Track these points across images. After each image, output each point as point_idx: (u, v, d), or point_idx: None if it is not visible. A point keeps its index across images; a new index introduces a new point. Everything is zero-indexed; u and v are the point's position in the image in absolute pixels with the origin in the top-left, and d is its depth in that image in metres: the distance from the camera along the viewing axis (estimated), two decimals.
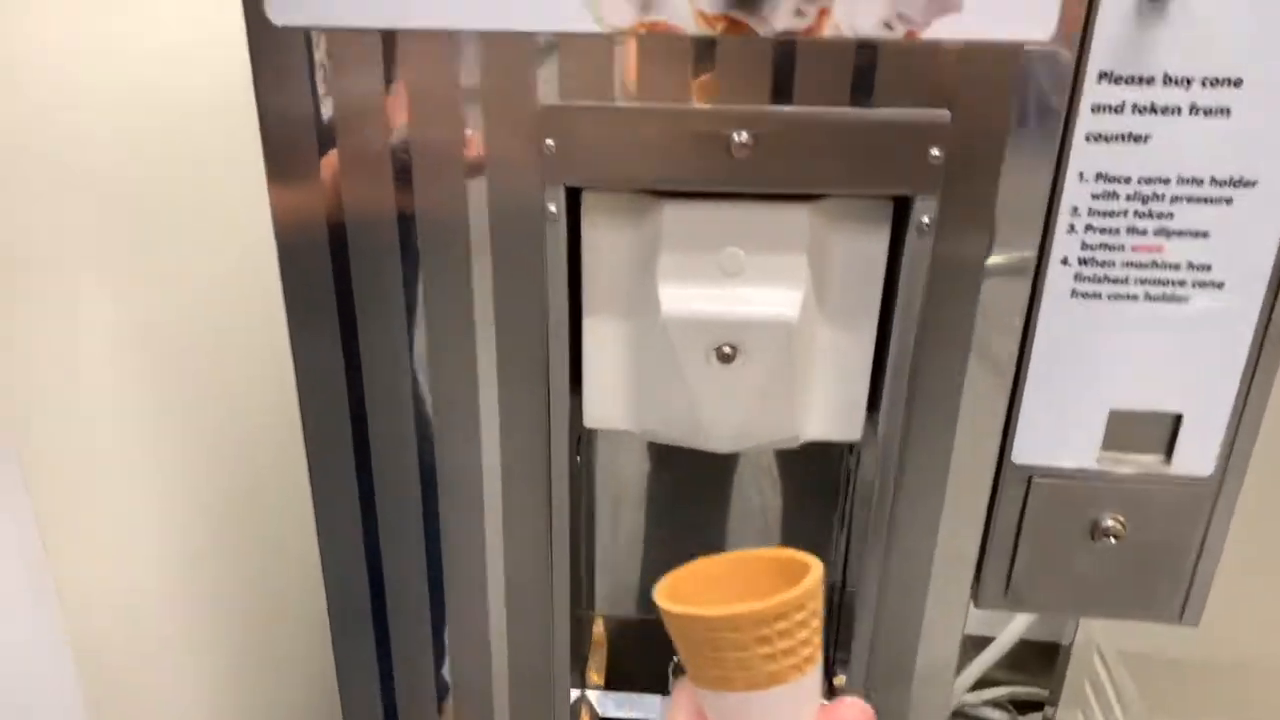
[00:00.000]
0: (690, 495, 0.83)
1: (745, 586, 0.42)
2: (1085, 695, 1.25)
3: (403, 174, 0.54)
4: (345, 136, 0.53)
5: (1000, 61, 0.49)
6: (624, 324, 0.59)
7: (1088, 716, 1.25)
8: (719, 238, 0.55)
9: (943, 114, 0.50)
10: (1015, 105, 0.50)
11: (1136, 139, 0.51)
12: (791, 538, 0.83)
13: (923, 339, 0.56)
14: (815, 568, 0.41)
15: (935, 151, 0.51)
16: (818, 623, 0.41)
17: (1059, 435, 0.57)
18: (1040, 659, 1.43)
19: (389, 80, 0.52)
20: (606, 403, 0.61)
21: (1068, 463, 0.58)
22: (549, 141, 0.52)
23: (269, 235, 0.56)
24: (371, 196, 0.54)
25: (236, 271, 0.90)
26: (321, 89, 0.52)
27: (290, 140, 0.54)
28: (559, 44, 0.50)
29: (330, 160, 0.54)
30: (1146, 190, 0.51)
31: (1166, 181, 0.51)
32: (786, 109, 0.51)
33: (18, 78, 0.68)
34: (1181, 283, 0.53)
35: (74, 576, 0.74)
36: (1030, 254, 0.53)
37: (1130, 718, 1.13)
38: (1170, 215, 0.52)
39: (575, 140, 0.52)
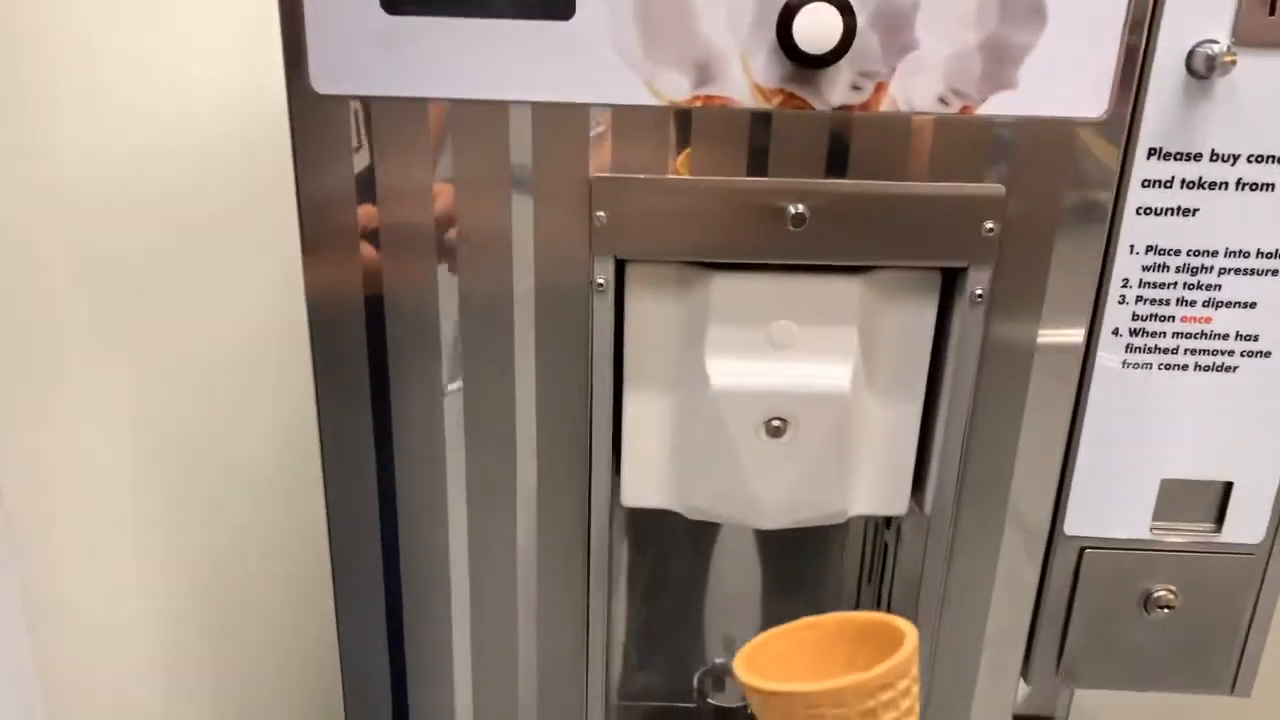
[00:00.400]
0: (683, 579, 0.81)
1: (820, 658, 0.40)
2: None
3: (445, 249, 0.53)
4: (387, 209, 0.52)
5: (1054, 137, 0.50)
6: (667, 398, 0.57)
7: None
8: (769, 310, 0.55)
9: (997, 188, 0.51)
10: (1067, 180, 0.50)
11: (1185, 213, 0.51)
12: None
13: (974, 411, 0.55)
14: (910, 632, 0.39)
15: (989, 224, 0.51)
16: (917, 689, 0.39)
17: (1111, 506, 0.56)
18: None
19: (436, 152, 0.51)
20: (647, 480, 0.59)
21: (1120, 533, 0.57)
22: (600, 213, 0.51)
23: (273, 298, 0.54)
24: (412, 271, 0.53)
25: (241, 336, 0.87)
26: (363, 161, 0.51)
27: (328, 212, 0.52)
28: (613, 115, 0.50)
29: (367, 227, 0.53)
30: (1195, 262, 0.52)
31: (1215, 254, 0.52)
32: (843, 182, 0.51)
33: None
34: (1230, 352, 0.53)
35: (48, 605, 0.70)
36: (1082, 326, 0.53)
37: None
38: (1219, 287, 0.52)
39: (626, 212, 0.51)
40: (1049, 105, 0.49)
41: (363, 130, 0.51)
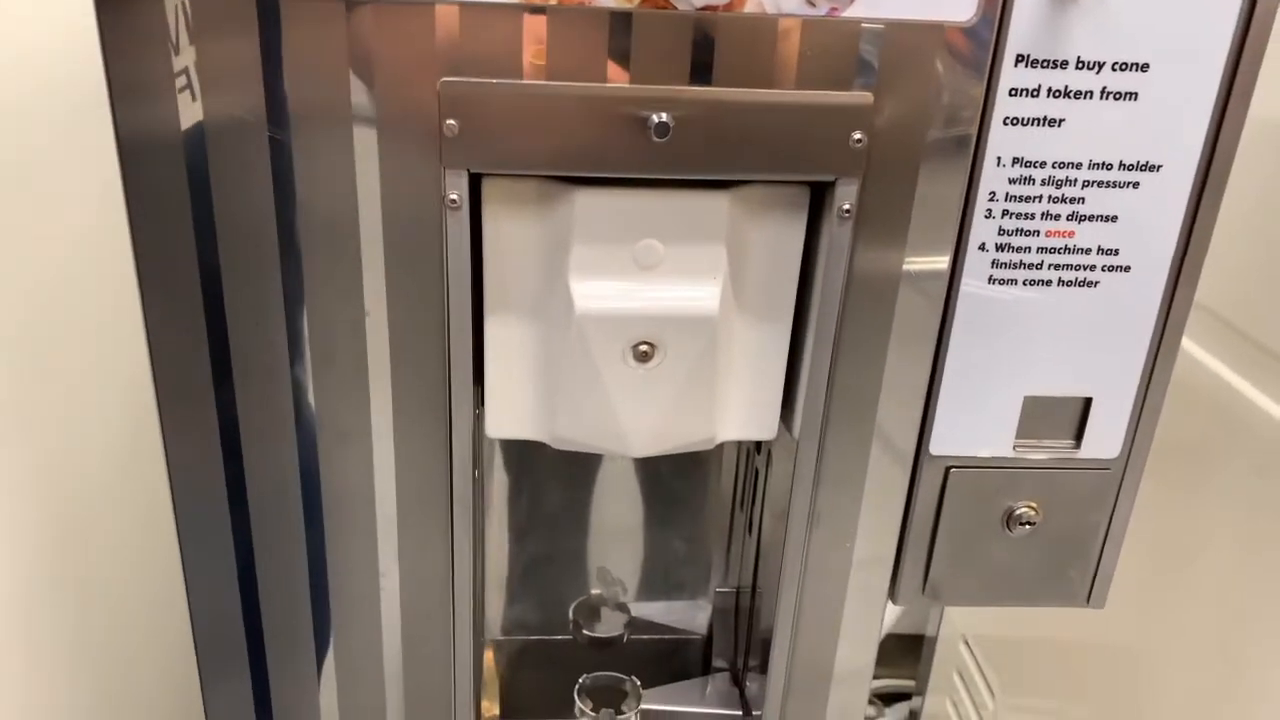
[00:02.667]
0: (564, 510, 0.79)
1: None
2: (953, 683, 1.28)
3: (280, 153, 0.48)
4: (213, 104, 0.47)
5: (922, 43, 0.48)
6: (531, 324, 0.54)
7: (956, 704, 1.28)
8: (634, 228, 0.52)
9: (865, 97, 0.49)
10: (936, 89, 0.49)
11: (1051, 123, 0.51)
12: (683, 545, 0.81)
13: (841, 333, 0.54)
14: None
15: (857, 135, 0.50)
16: None
17: (976, 425, 0.56)
18: (904, 651, 1.46)
19: (265, 43, 0.46)
20: (512, 411, 0.57)
21: (984, 451, 0.57)
22: (450, 122, 0.48)
23: (104, 230, 0.49)
24: (242, 177, 0.48)
25: (67, 270, 0.80)
26: (183, 52, 0.46)
27: (146, 110, 0.47)
28: (460, 14, 0.46)
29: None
30: (1060, 175, 0.52)
31: (1079, 166, 0.51)
32: (708, 90, 0.48)
33: None
34: (1092, 267, 0.54)
35: None
36: (949, 242, 0.52)
37: (997, 703, 1.17)
38: (1082, 200, 0.52)
39: (478, 120, 0.48)
40: (917, 8, 0.48)
41: (181, 25, 0.45)
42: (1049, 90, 0.50)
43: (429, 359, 0.53)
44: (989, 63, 0.49)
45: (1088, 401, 0.56)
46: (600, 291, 0.52)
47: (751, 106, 0.49)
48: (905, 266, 0.53)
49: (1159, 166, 0.52)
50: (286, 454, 0.54)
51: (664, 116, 0.48)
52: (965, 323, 0.54)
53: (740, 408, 0.58)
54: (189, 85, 0.47)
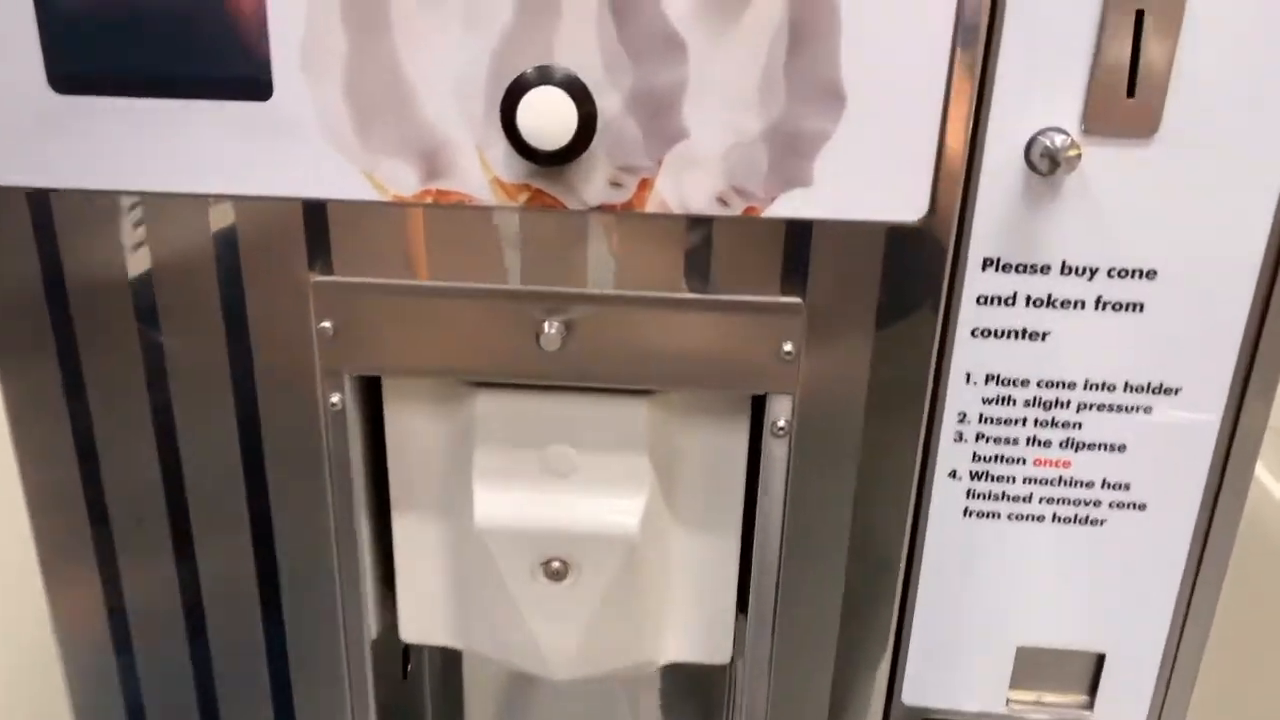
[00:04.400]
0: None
1: None
2: None
3: (154, 379, 0.45)
4: (80, 312, 0.44)
5: (862, 244, 0.41)
6: (441, 527, 0.49)
7: None
8: (545, 432, 0.46)
9: (794, 303, 0.42)
10: (882, 295, 0.41)
11: (1033, 336, 0.41)
12: None
13: (793, 554, 0.46)
14: None
15: (788, 347, 0.42)
16: None
17: (958, 673, 0.47)
18: None
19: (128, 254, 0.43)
20: (426, 615, 0.51)
21: (970, 705, 0.48)
22: (324, 324, 0.43)
23: None
24: (116, 380, 0.45)
25: None
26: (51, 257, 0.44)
27: (18, 327, 0.45)
28: (332, 211, 0.42)
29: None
30: (1049, 395, 0.42)
31: (1072, 386, 0.42)
32: (607, 294, 0.42)
33: None
34: (1096, 503, 0.44)
35: None
36: (911, 465, 0.44)
37: None
38: (1078, 425, 0.43)
39: (356, 322, 0.43)
40: (853, 207, 0.40)
41: (42, 227, 0.43)
42: (1029, 299, 0.41)
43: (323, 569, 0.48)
44: (949, 266, 0.41)
45: (1100, 657, 0.46)
46: (505, 501, 0.47)
47: (658, 313, 0.42)
48: (858, 489, 0.44)
49: (1177, 389, 0.41)
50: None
51: (554, 326, 0.42)
52: (936, 559, 0.45)
53: (686, 629, 0.50)
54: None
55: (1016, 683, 0.47)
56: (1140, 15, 0.37)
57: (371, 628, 0.50)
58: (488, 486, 0.47)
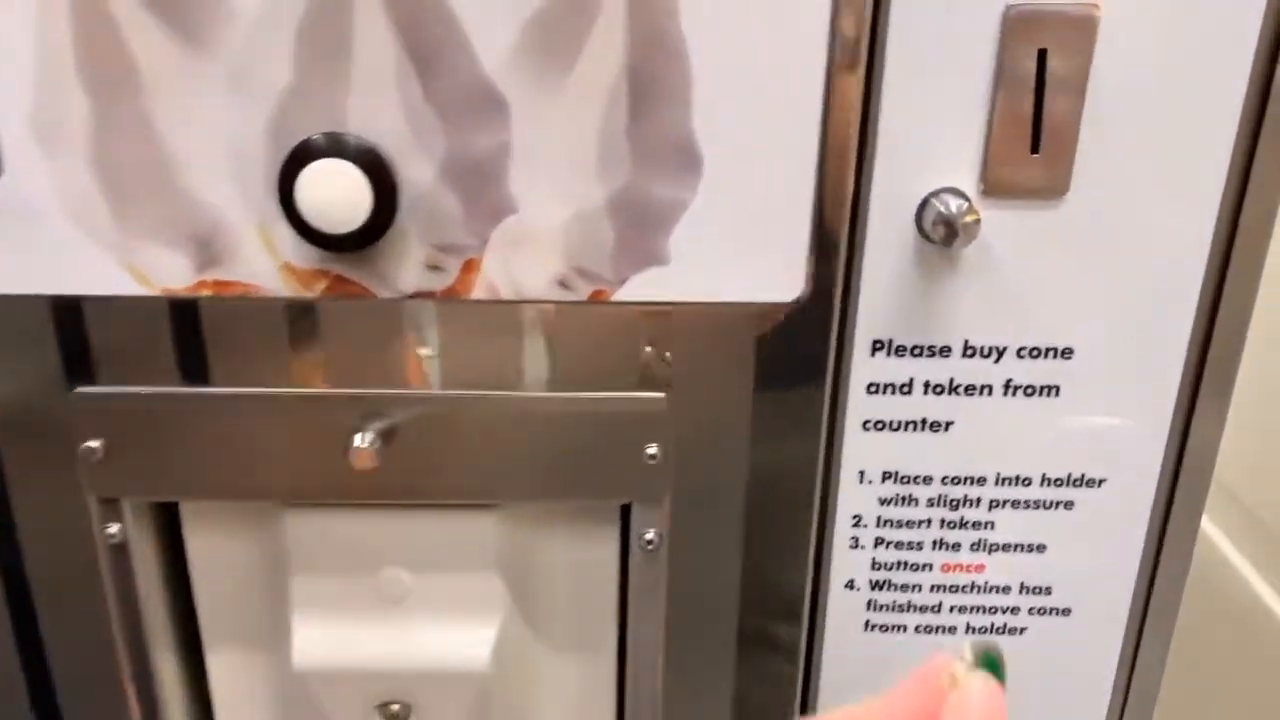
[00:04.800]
0: None
1: None
2: None
3: None
4: None
5: (730, 329, 0.34)
6: (266, 664, 0.42)
7: None
8: (372, 555, 0.39)
9: (657, 400, 0.35)
10: (757, 386, 0.35)
11: (935, 426, 0.36)
12: None
13: (674, 679, 0.40)
14: None
15: (652, 449, 0.36)
16: None
17: None
18: None
19: None
20: None
21: None
22: (91, 444, 0.36)
23: None
24: None
25: None
26: None
27: None
28: (91, 312, 0.34)
29: None
30: (955, 493, 0.36)
31: (982, 482, 0.36)
32: (429, 394, 0.35)
33: None
34: (1014, 609, 0.38)
35: None
36: (801, 578, 0.38)
37: None
38: (990, 525, 0.37)
39: (126, 439, 0.36)
40: (719, 287, 0.34)
41: None
42: (928, 385, 0.35)
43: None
44: (833, 351, 0.35)
45: None
46: (330, 638, 0.39)
47: (497, 415, 0.35)
48: (742, 606, 0.38)
49: (1100, 481, 0.36)
50: None
51: (367, 439, 0.35)
52: (836, 676, 0.39)
53: None
54: None
55: None
56: (1043, 56, 0.31)
57: None
58: (308, 621, 0.39)
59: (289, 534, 0.38)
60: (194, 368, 0.35)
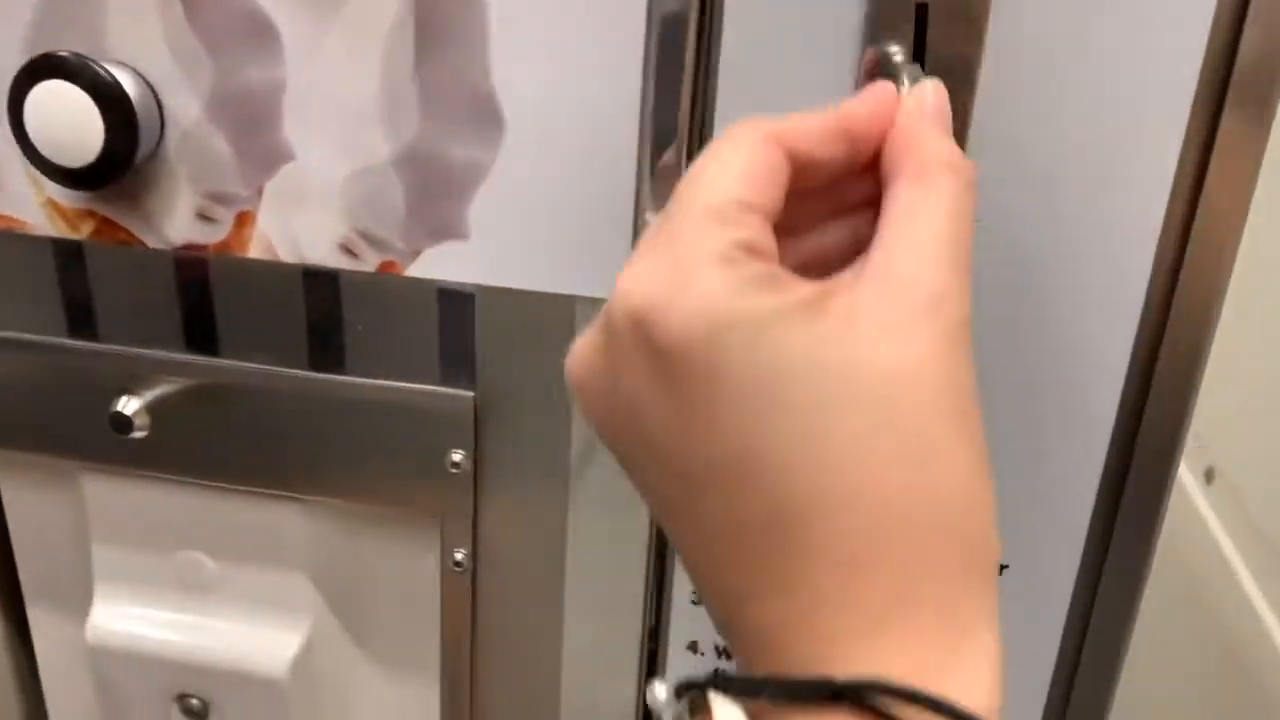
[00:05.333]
0: None
1: None
2: None
3: None
4: None
5: (553, 322, 0.29)
6: (81, 623, 0.39)
7: None
8: (174, 534, 0.35)
9: (463, 398, 0.30)
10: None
11: None
12: None
13: (495, 712, 0.35)
14: None
15: (457, 456, 0.30)
16: None
17: None
18: None
19: None
20: None
21: None
22: None
23: None
24: None
25: None
26: None
27: None
28: None
29: None
30: None
31: None
32: (207, 363, 0.31)
33: None
34: None
35: None
36: (632, 639, 0.32)
37: None
38: None
39: None
40: (528, 273, 0.28)
41: None
42: None
43: None
44: None
45: None
46: (126, 616, 0.36)
47: (279, 396, 0.31)
48: (567, 639, 0.33)
49: None
50: None
51: (130, 405, 0.31)
52: None
53: None
54: None
55: None
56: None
57: None
58: (107, 595, 0.36)
59: (88, 499, 0.35)
60: None
